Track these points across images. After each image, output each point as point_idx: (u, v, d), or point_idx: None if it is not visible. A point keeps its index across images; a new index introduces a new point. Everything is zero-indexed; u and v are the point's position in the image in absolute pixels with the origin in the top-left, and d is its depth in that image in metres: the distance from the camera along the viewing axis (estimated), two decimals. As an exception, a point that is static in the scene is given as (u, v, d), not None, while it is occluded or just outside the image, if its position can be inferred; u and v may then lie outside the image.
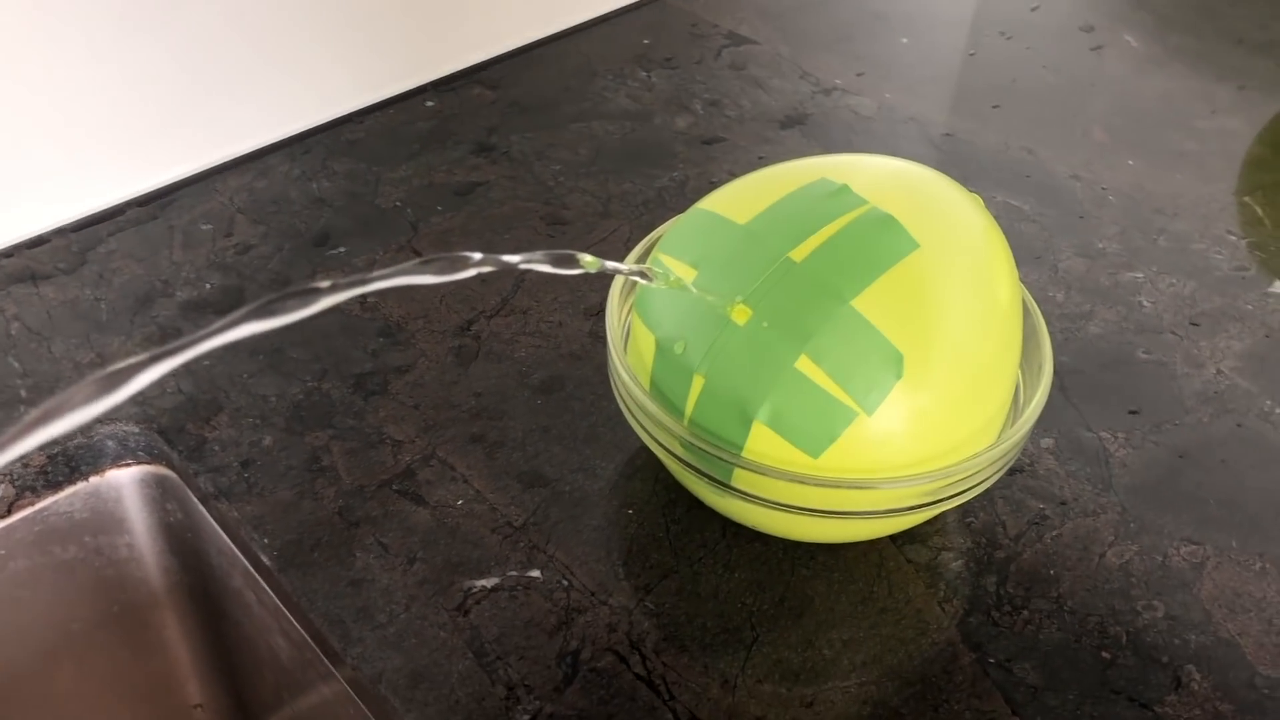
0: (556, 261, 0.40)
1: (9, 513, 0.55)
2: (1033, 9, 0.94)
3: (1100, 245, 0.69)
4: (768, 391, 0.43)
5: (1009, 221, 0.70)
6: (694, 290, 0.44)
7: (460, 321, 0.62)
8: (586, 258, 0.40)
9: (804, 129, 0.78)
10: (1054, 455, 0.56)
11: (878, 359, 0.43)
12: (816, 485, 0.44)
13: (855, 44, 0.88)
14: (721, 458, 0.45)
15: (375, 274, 0.34)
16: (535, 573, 0.50)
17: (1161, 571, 0.51)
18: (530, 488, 0.54)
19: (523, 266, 0.39)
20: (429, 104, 0.79)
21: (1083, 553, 0.52)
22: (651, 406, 0.46)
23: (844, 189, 0.46)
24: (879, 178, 0.48)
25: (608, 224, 0.69)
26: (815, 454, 0.43)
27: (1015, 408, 0.51)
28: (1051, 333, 0.62)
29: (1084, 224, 0.71)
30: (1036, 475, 0.55)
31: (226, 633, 0.64)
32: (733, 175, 0.74)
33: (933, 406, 0.44)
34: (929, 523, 0.53)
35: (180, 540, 0.60)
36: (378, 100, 0.78)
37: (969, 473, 0.45)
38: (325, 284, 0.33)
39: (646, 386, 0.48)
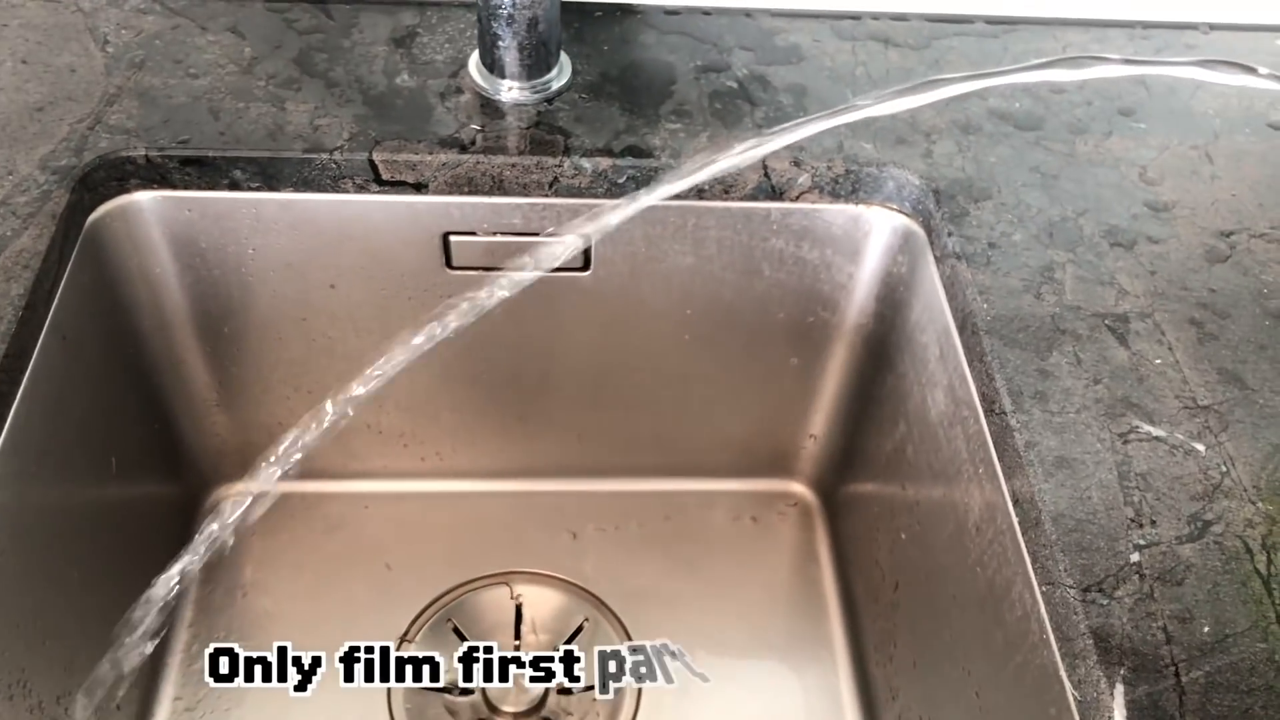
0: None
1: (797, 198, 0.68)
2: None
3: None
4: None
5: None
6: None
7: (1224, 228, 0.64)
8: None
9: None
10: None
11: None
12: None
13: None
14: None
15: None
16: (1200, 446, 0.53)
17: None
18: (1227, 383, 0.56)
19: None
20: (1277, 42, 0.79)
21: None
22: None
23: None
24: None
25: None
26: None
27: None
28: None
29: None
30: None
31: (880, 381, 0.74)
32: None
33: None
34: None
35: (891, 291, 0.70)
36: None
37: None
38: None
39: None
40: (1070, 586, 0.48)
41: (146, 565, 0.73)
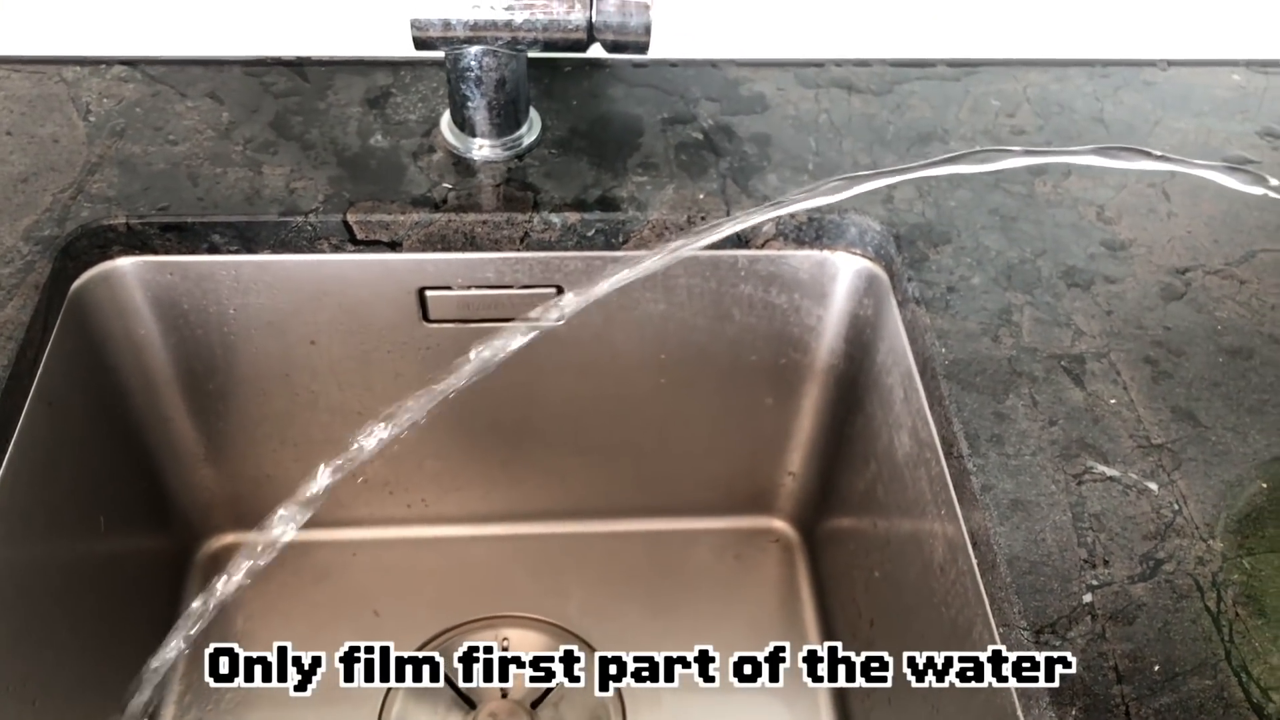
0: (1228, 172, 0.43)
1: (763, 246, 0.69)
2: None
3: None
4: None
5: None
6: None
7: (1179, 265, 0.66)
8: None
9: None
10: None
11: None
12: None
13: None
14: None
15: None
16: (1153, 485, 0.55)
17: None
18: (1180, 421, 0.57)
19: (1174, 168, 0.42)
20: (1234, 76, 0.81)
21: None
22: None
23: None
24: None
25: (1366, 245, 0.68)
26: None
27: None
28: None
29: None
30: None
31: (852, 421, 0.75)
32: None
33: None
34: None
35: (859, 333, 0.72)
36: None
37: None
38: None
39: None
40: (1024, 629, 0.49)
41: (138, 620, 0.75)
